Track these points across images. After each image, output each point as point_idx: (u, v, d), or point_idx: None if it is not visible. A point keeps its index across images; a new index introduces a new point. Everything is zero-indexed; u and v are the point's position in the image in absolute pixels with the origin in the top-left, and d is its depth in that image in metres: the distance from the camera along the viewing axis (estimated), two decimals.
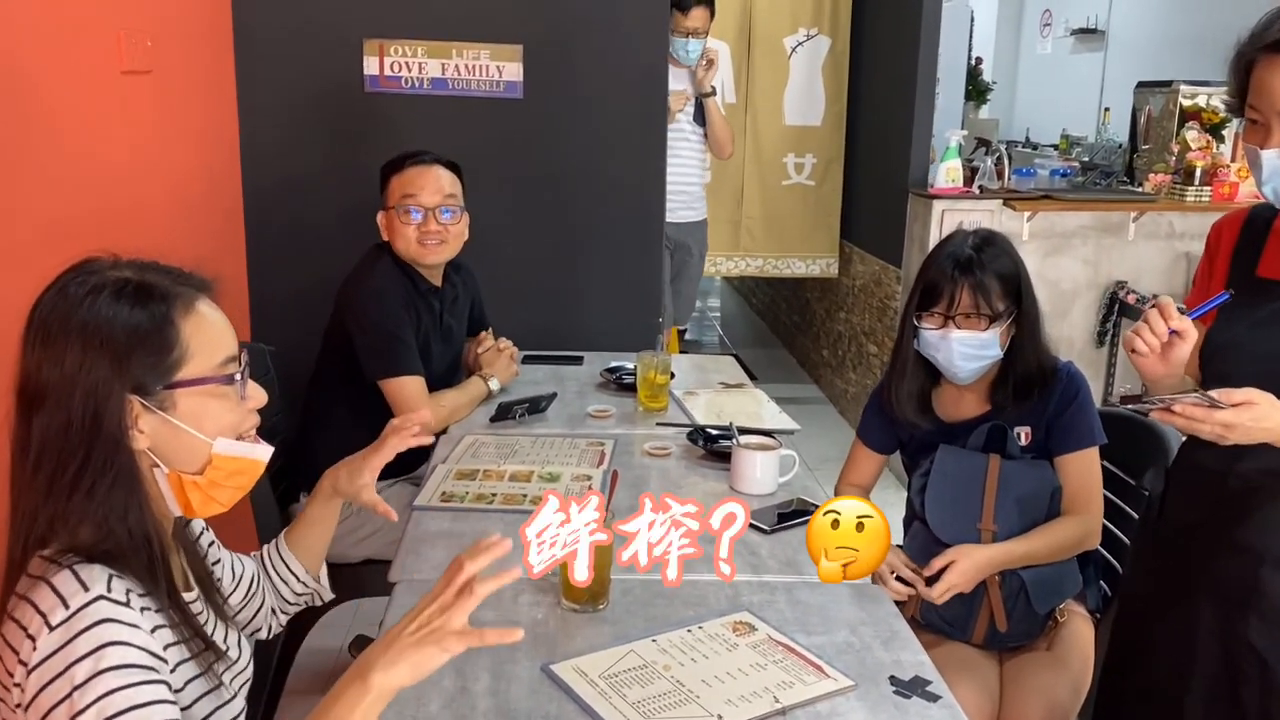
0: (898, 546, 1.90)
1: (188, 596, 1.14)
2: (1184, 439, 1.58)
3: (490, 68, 3.08)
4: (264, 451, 1.17)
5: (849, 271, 4.95)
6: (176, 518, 1.17)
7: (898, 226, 4.18)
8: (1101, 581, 1.92)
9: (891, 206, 4.23)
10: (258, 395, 1.16)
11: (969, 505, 1.77)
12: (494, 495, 1.89)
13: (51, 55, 1.93)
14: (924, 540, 1.79)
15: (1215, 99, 3.88)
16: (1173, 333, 1.36)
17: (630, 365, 2.53)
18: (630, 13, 3.10)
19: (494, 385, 2.44)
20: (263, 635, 1.44)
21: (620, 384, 2.54)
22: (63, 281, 1.06)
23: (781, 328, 6.48)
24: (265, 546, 1.47)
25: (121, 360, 1.03)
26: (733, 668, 1.36)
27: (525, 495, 1.88)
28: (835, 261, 4.99)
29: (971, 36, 8.72)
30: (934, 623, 1.80)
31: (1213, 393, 1.28)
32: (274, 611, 1.44)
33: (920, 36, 4.11)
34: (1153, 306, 1.39)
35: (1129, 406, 1.38)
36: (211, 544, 1.33)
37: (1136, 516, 1.87)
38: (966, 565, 1.67)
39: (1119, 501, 1.93)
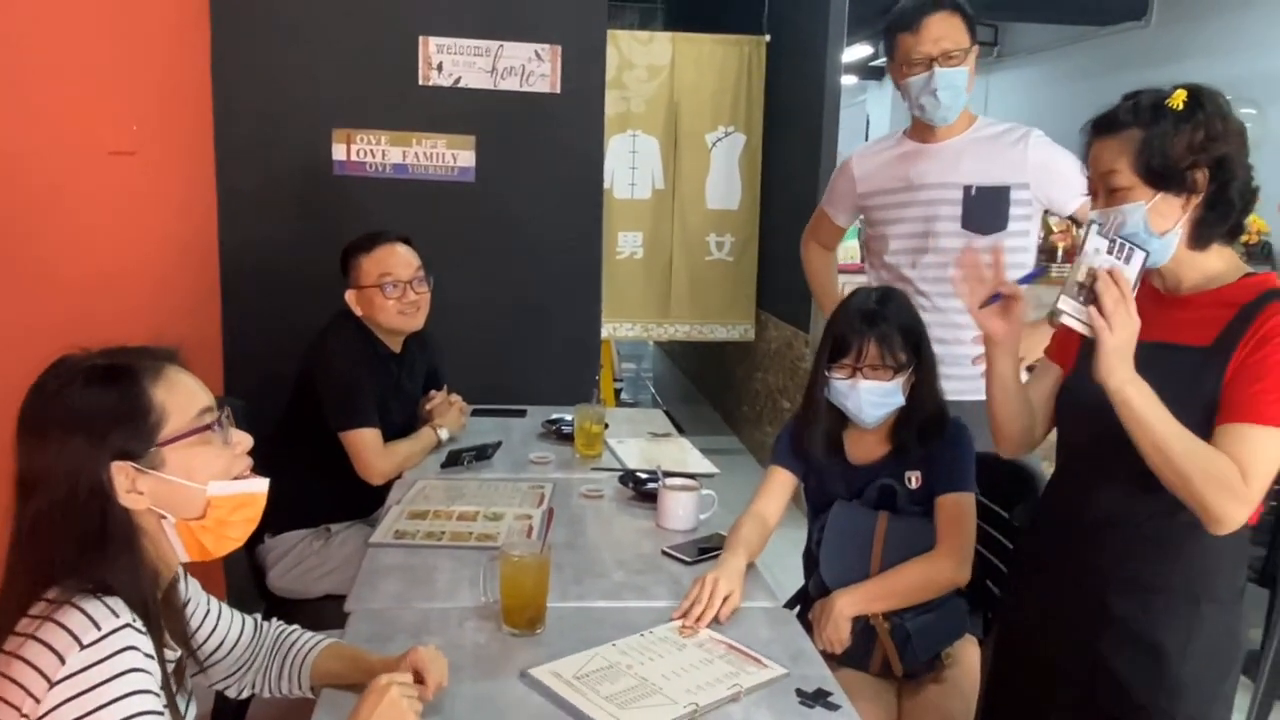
0: (802, 591, 1.91)
1: (169, 654, 1.11)
2: (1048, 480, 1.62)
3: (446, 154, 3.12)
4: (259, 484, 1.17)
5: (764, 336, 5.03)
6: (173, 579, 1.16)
7: (805, 297, 4.26)
8: (986, 610, 1.93)
9: (799, 279, 4.27)
10: (243, 440, 1.16)
11: (859, 559, 1.77)
12: (443, 533, 1.87)
13: (43, 136, 1.92)
14: (821, 589, 1.79)
15: None
16: (1001, 297, 1.47)
17: (569, 417, 2.54)
18: (571, 107, 3.17)
19: (444, 434, 2.42)
20: (231, 694, 1.37)
21: (560, 434, 2.55)
22: (41, 380, 1.07)
23: (706, 387, 6.54)
24: (297, 638, 1.38)
25: (100, 436, 1.04)
26: (686, 664, 1.41)
27: (471, 533, 1.87)
28: (752, 327, 5.08)
29: (868, 132, 9.03)
30: (840, 655, 1.79)
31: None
32: (253, 685, 1.37)
33: (821, 133, 4.26)
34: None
35: (1063, 307, 1.36)
36: (188, 601, 1.27)
37: (1012, 547, 1.91)
38: (831, 619, 1.69)
39: (997, 535, 1.96)
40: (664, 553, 1.82)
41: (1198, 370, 1.33)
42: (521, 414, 2.81)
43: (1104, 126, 1.39)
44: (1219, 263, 1.39)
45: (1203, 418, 1.31)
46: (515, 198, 3.18)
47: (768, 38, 4.81)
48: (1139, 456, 1.30)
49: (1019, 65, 10.47)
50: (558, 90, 3.15)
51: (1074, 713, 1.49)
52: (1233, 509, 1.27)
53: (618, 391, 5.54)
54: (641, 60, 4.76)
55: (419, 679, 1.24)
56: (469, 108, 3.11)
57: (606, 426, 2.49)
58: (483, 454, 2.34)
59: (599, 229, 3.37)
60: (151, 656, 1.00)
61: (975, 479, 1.80)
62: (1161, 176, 1.33)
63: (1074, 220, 2.41)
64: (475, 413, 2.64)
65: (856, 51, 6.60)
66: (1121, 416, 1.29)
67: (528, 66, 3.12)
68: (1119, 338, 1.27)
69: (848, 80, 4.83)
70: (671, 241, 4.92)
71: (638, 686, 1.33)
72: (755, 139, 4.90)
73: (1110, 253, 1.32)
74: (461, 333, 2.99)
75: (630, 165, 4.83)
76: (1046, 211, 2.31)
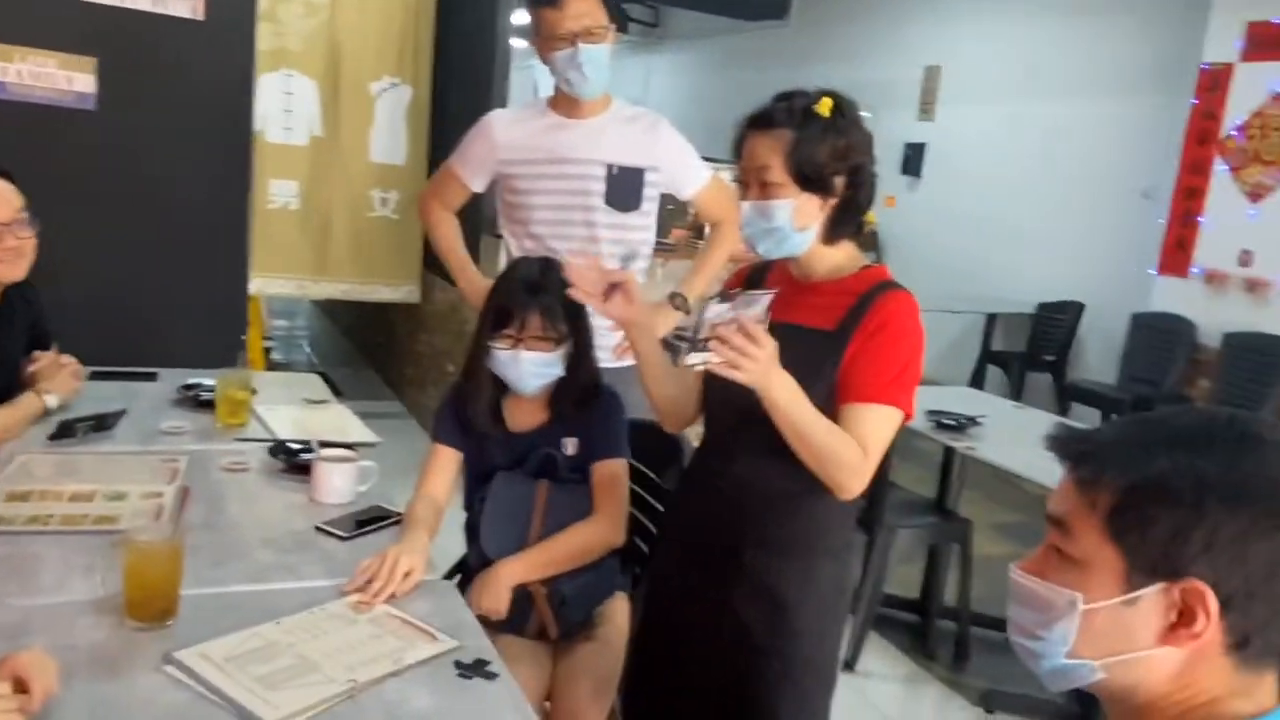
0: (462, 561, 1.89)
1: None
2: (696, 445, 1.74)
3: (58, 76, 2.69)
4: None
5: (431, 298, 4.92)
6: None
7: (473, 260, 4.21)
8: (636, 566, 2.03)
9: (467, 242, 4.26)
10: None
11: (520, 529, 1.79)
12: (51, 516, 1.62)
13: None
14: (481, 560, 1.79)
15: (726, 172, 4.39)
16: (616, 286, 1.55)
17: (209, 382, 2.31)
18: (216, 36, 2.86)
19: (51, 401, 2.10)
20: None
21: (198, 401, 2.31)
22: None
23: (368, 348, 6.29)
24: None
25: None
26: (354, 640, 1.35)
27: (87, 515, 1.64)
28: (418, 289, 4.94)
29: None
30: (497, 621, 1.80)
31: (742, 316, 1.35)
32: None
33: (492, 94, 4.21)
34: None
35: (675, 338, 1.44)
36: None
37: (662, 509, 2.03)
38: (492, 588, 1.70)
39: (649, 498, 2.08)
40: (318, 529, 1.72)
41: (823, 350, 1.49)
42: (152, 377, 2.52)
43: (759, 123, 1.50)
44: (842, 255, 1.56)
45: (826, 391, 1.47)
46: (146, 132, 2.82)
47: None
48: (771, 431, 1.43)
49: (676, 50, 11.09)
50: (200, 16, 2.83)
51: (707, 659, 1.62)
52: (855, 482, 1.46)
53: (267, 351, 5.15)
54: None
55: (20, 688, 1.07)
56: (89, 24, 2.70)
57: (254, 392, 2.29)
58: (102, 424, 2.06)
59: (247, 175, 3.10)
60: None
61: (629, 445, 1.89)
62: (808, 179, 1.47)
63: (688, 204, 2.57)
64: (94, 376, 2.33)
65: (523, 16, 6.59)
66: (770, 412, 1.41)
67: None
68: (753, 373, 1.35)
69: (518, 44, 4.80)
70: (331, 194, 4.64)
71: (295, 665, 1.26)
72: (423, 93, 4.74)
73: (734, 310, 1.36)
74: (78, 285, 2.62)
75: (285, 108, 4.46)
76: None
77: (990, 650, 3.26)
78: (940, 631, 3.27)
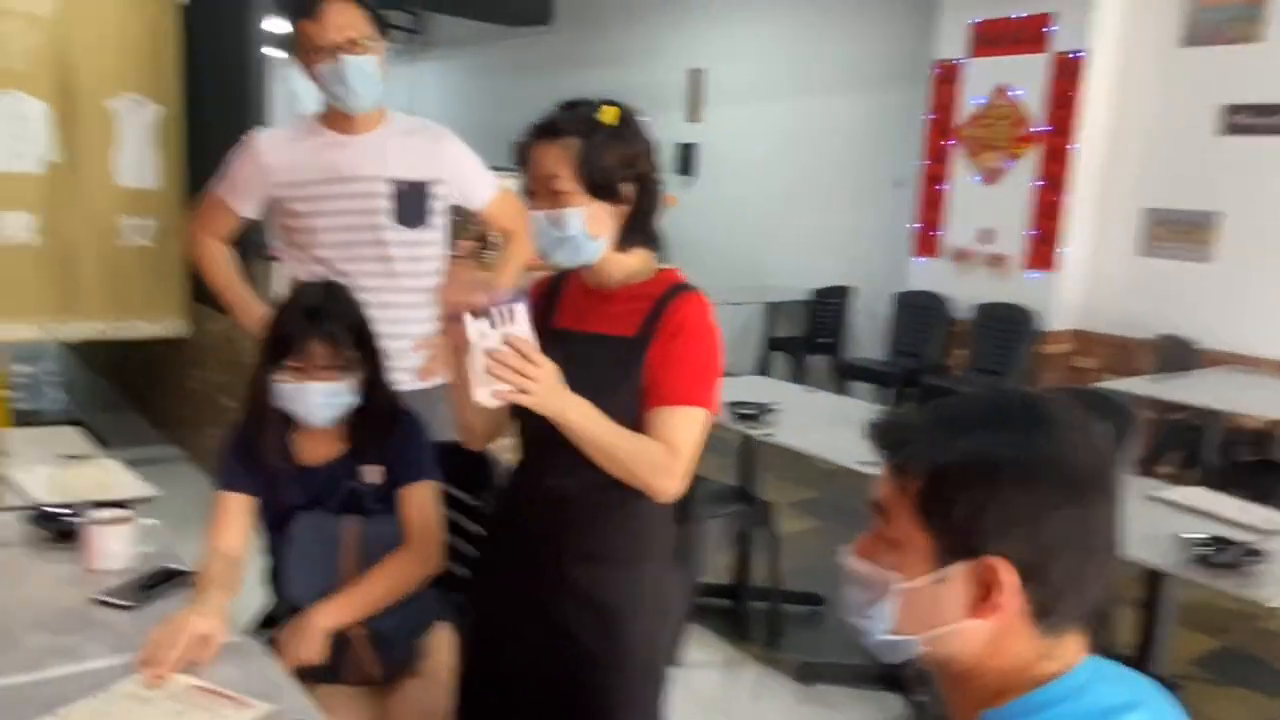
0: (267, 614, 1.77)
1: None
2: (516, 467, 1.70)
3: None
4: None
5: (202, 329, 4.58)
6: None
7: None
8: (456, 593, 1.97)
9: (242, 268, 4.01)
10: None
11: (329, 570, 1.70)
12: None
13: None
14: (289, 610, 1.68)
15: (509, 180, 4.35)
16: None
17: None
18: None
19: None
20: None
21: None
22: None
23: (131, 389, 5.77)
24: None
25: None
26: None
27: None
28: (184, 321, 4.58)
29: (296, 108, 8.67)
30: (314, 672, 1.70)
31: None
32: None
33: (249, 108, 3.98)
34: None
35: (473, 318, 1.33)
36: None
37: (479, 532, 1.97)
38: (305, 636, 1.61)
39: (464, 521, 2.02)
40: (97, 600, 1.55)
41: (626, 357, 1.50)
42: None
43: (545, 132, 1.48)
44: (637, 262, 1.58)
45: (629, 399, 1.49)
46: None
47: (186, 0, 4.34)
48: None
49: (442, 57, 10.91)
50: None
51: (540, 678, 1.59)
52: (669, 484, 1.48)
53: (10, 403, 4.62)
54: (17, 6, 3.97)
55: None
56: None
57: (4, 454, 2.04)
58: None
59: None
60: None
61: (437, 467, 1.83)
62: (598, 187, 1.47)
63: (478, 217, 2.52)
64: None
65: (279, 24, 6.28)
66: (568, 434, 1.42)
67: None
68: (538, 394, 1.36)
69: (275, 54, 4.56)
70: (74, 224, 4.21)
71: None
72: (175, 110, 4.39)
73: (495, 325, 1.34)
74: None
75: (12, 133, 4.01)
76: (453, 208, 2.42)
77: (803, 625, 3.43)
78: (754, 612, 3.40)
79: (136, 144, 4.32)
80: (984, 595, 0.82)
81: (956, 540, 0.82)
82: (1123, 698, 0.83)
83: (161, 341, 4.80)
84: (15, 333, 4.17)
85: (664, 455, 1.46)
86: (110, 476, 2.15)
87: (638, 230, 1.55)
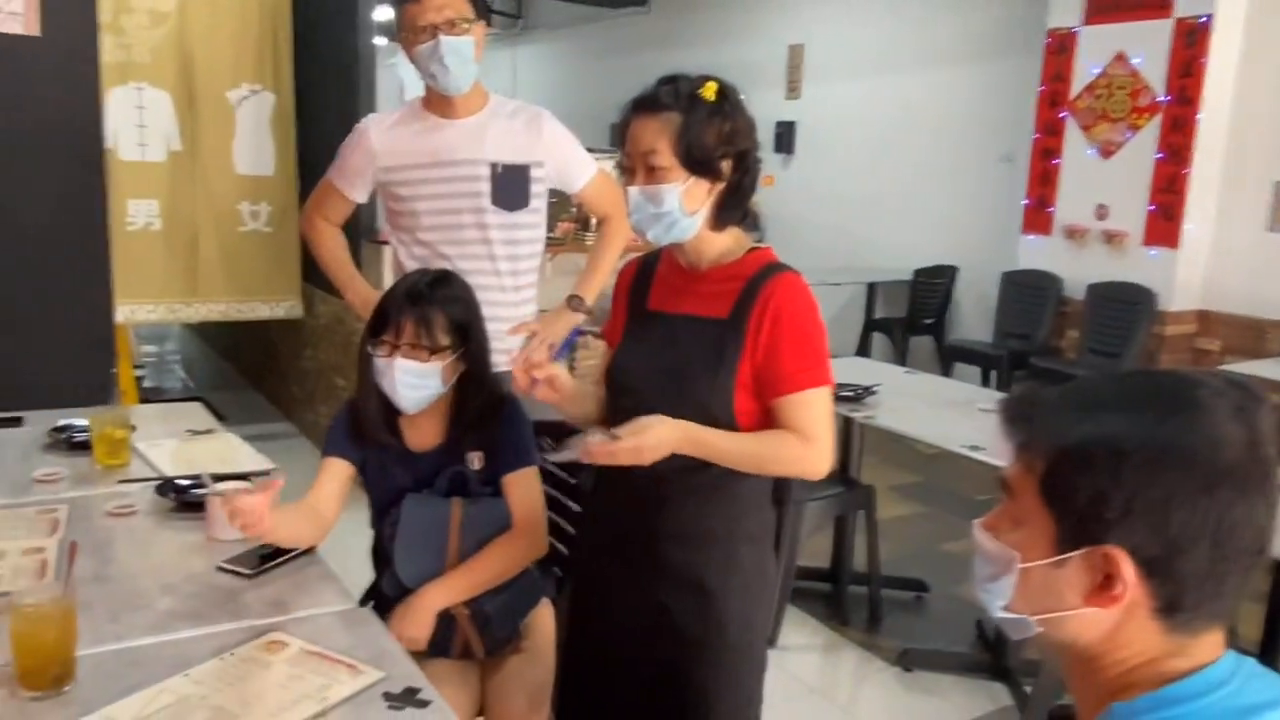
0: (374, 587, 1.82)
1: None
2: None
3: None
4: None
5: (313, 312, 4.75)
6: None
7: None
8: (556, 568, 2.01)
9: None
10: None
11: (437, 551, 1.73)
12: None
13: None
14: (397, 588, 1.72)
15: (608, 161, 4.38)
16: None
17: (82, 421, 2.16)
18: (55, 53, 2.67)
19: None
20: None
21: (72, 443, 2.16)
22: None
23: (250, 368, 6.03)
24: None
25: None
26: (272, 684, 1.28)
27: None
28: (299, 303, 4.76)
29: (403, 95, 8.87)
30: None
31: (614, 430, 1.42)
32: None
33: (359, 95, 4.08)
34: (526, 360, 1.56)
35: (553, 458, 1.51)
36: None
37: (578, 509, 2.00)
38: (416, 616, 1.66)
39: (564, 499, 2.05)
40: (220, 568, 1.63)
41: (719, 339, 1.50)
42: (16, 423, 2.34)
43: (645, 106, 1.48)
44: (729, 240, 1.56)
45: (725, 380, 1.48)
46: None
47: None
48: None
49: (542, 40, 11.00)
50: (36, 31, 2.64)
51: (637, 656, 1.61)
52: (813, 469, 1.51)
53: (140, 381, 4.89)
54: (142, 3, 4.16)
55: None
56: None
57: (133, 429, 2.16)
58: None
59: (101, 196, 2.91)
60: None
61: (537, 450, 1.85)
62: (697, 163, 1.46)
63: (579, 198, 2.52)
64: None
65: (385, 12, 6.46)
66: (697, 455, 1.46)
67: None
68: (642, 457, 1.42)
69: (381, 42, 4.67)
70: (196, 210, 4.41)
71: (213, 719, 1.19)
72: (286, 99, 4.55)
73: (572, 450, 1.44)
74: None
75: (138, 123, 4.22)
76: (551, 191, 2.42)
77: (902, 610, 3.37)
78: (853, 597, 3.35)
79: (253, 132, 4.49)
80: (1102, 584, 0.79)
81: (1077, 526, 0.79)
82: (1268, 695, 0.78)
83: (277, 322, 5.01)
84: (141, 314, 4.40)
85: (798, 446, 1.48)
86: (231, 450, 2.25)
87: (733, 208, 1.53)
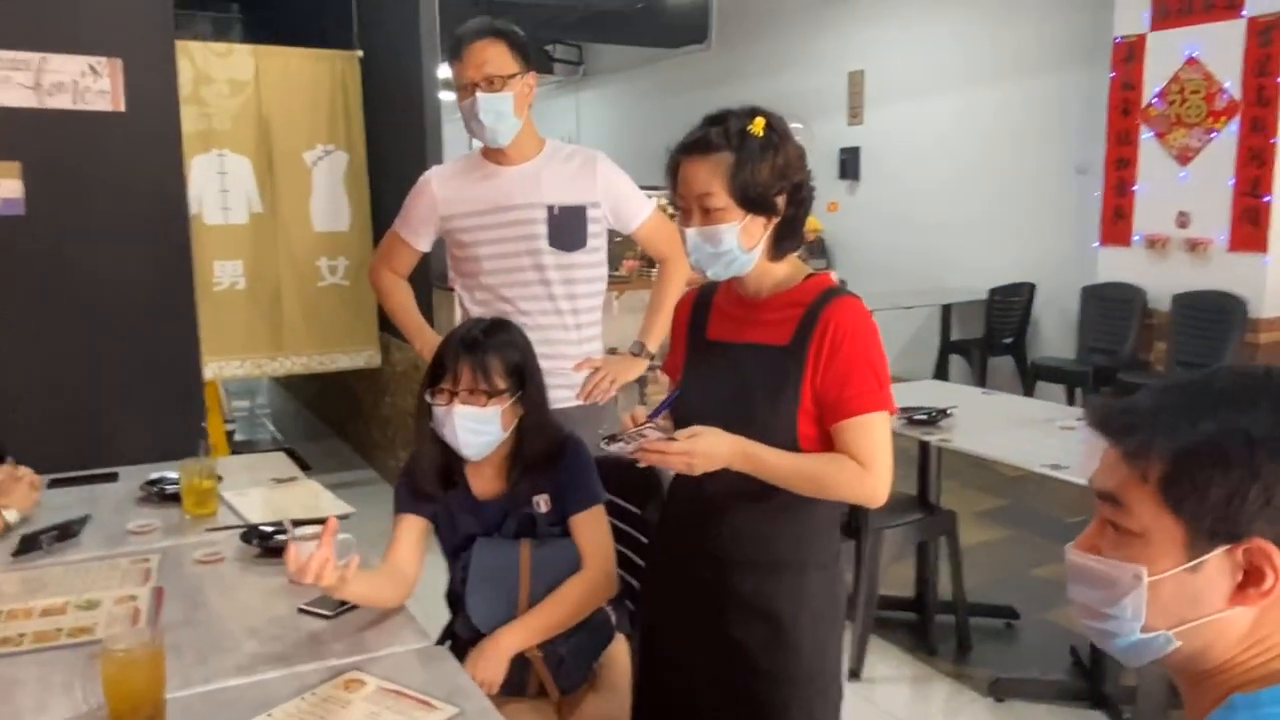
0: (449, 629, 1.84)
1: None
2: (673, 475, 1.72)
3: None
4: None
5: (390, 360, 4.88)
6: None
7: (425, 316, 4.18)
8: (628, 601, 2.00)
9: (420, 299, 4.24)
10: None
11: (509, 594, 1.74)
12: (23, 635, 1.57)
13: None
14: (470, 630, 1.74)
15: (663, 198, 4.41)
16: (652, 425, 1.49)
17: (172, 475, 2.26)
18: (140, 126, 2.83)
19: (11, 517, 2.03)
20: None
21: (163, 495, 2.25)
22: None
23: (332, 418, 6.21)
24: None
25: None
26: None
27: (60, 629, 1.59)
28: (377, 353, 4.90)
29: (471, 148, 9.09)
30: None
31: (670, 432, 1.43)
32: None
33: (426, 149, 4.21)
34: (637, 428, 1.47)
35: (607, 445, 1.46)
36: None
37: (646, 541, 2.00)
38: (490, 659, 1.66)
39: (632, 531, 2.05)
40: (301, 610, 1.68)
41: (781, 366, 1.50)
42: (113, 478, 2.45)
43: (696, 148, 1.49)
44: (786, 268, 1.56)
45: (789, 407, 1.48)
46: (79, 230, 2.79)
47: (360, 53, 4.66)
48: None
49: (604, 84, 11.19)
50: (121, 108, 2.80)
51: (711, 687, 1.60)
52: (869, 492, 1.48)
53: (230, 435, 5.07)
54: (221, 74, 4.38)
55: None
56: (9, 129, 2.66)
57: (220, 479, 2.25)
58: (66, 532, 2.00)
59: (187, 260, 3.05)
60: None
61: (602, 485, 1.84)
62: (752, 200, 1.47)
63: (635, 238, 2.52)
64: (52, 484, 2.27)
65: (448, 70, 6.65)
66: (749, 471, 1.46)
67: (81, 82, 2.74)
68: (699, 466, 1.43)
69: (446, 96, 4.81)
70: (277, 268, 4.59)
71: None
72: (359, 157, 4.72)
73: (629, 444, 1.44)
74: (26, 393, 2.56)
75: (220, 188, 4.43)
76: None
77: (992, 638, 3.27)
78: (939, 626, 3.26)
79: (328, 190, 4.67)
80: (1247, 581, 0.76)
81: (1213, 525, 0.76)
82: None
83: (356, 371, 5.16)
84: (229, 370, 4.58)
85: (855, 472, 1.46)
86: (313, 497, 2.32)
87: (789, 238, 1.54)
